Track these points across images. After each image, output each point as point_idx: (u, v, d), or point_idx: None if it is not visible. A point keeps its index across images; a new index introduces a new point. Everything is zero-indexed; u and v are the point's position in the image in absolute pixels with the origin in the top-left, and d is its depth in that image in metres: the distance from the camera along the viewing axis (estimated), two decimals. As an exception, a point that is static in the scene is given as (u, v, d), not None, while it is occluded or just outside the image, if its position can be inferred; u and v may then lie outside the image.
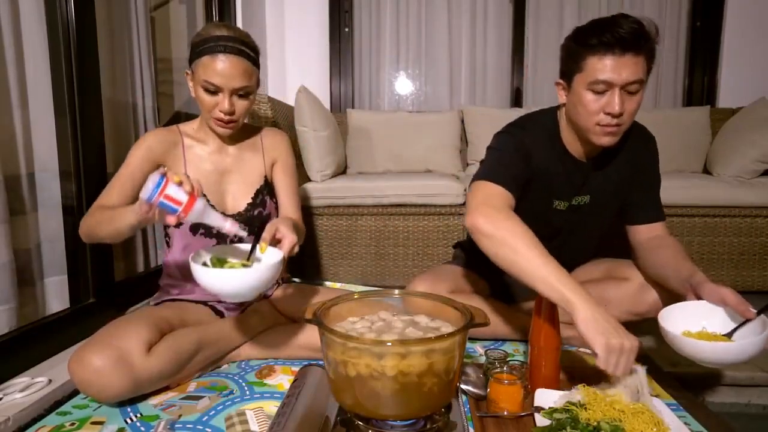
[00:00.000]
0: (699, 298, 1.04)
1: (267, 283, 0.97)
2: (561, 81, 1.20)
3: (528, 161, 1.22)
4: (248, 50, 1.21)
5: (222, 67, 1.16)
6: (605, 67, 1.06)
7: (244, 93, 1.22)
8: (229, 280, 0.94)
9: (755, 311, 0.97)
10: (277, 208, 1.44)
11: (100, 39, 1.43)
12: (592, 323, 0.93)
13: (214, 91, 1.18)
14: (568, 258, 1.43)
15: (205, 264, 0.98)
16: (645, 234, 1.31)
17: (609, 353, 0.91)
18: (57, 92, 1.33)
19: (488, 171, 1.19)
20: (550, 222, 1.34)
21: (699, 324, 1.04)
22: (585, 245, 1.47)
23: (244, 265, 0.99)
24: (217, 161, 1.31)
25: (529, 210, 1.26)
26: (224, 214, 1.27)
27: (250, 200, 1.33)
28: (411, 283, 1.40)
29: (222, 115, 1.20)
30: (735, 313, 1.01)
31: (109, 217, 1.07)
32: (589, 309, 0.94)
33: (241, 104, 1.22)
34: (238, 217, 1.30)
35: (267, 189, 1.37)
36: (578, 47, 1.11)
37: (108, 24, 1.59)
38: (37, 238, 1.34)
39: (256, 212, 1.33)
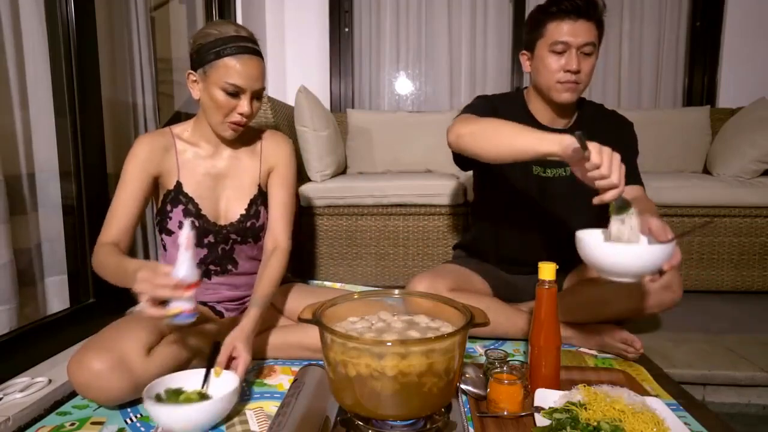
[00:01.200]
0: None
1: (225, 412, 0.99)
2: (525, 52, 1.40)
3: (496, 116, 1.29)
4: (259, 50, 1.20)
5: (246, 69, 1.14)
6: (563, 30, 1.25)
7: (260, 95, 1.21)
8: (184, 416, 0.93)
9: (669, 237, 0.98)
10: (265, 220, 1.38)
11: (100, 39, 1.43)
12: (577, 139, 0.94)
13: (234, 93, 1.15)
14: (561, 242, 1.44)
15: (158, 396, 0.97)
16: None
17: (601, 151, 0.92)
18: (57, 92, 1.33)
19: (465, 108, 1.36)
20: (529, 188, 1.41)
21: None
22: (576, 221, 1.46)
23: (200, 394, 1.00)
24: (211, 166, 1.27)
25: (509, 174, 1.39)
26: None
27: (243, 211, 1.29)
28: (411, 282, 1.40)
29: (240, 119, 1.18)
30: (656, 241, 1.00)
31: (114, 268, 1.07)
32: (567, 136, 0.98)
33: (256, 106, 1.21)
34: (230, 228, 1.28)
35: (261, 198, 1.33)
36: (540, 15, 1.30)
37: (108, 24, 1.59)
38: (37, 238, 1.34)
39: (248, 223, 1.30)
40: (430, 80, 3.01)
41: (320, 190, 2.09)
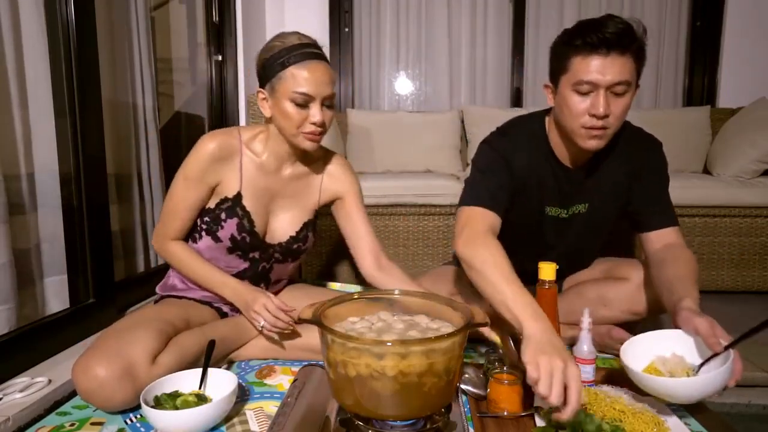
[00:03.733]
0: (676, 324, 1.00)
1: (224, 414, 0.99)
2: (549, 84, 1.19)
3: (509, 170, 1.21)
4: (324, 55, 1.17)
5: (313, 75, 1.10)
6: (589, 67, 1.05)
7: (330, 102, 1.16)
8: (183, 420, 0.93)
9: (723, 345, 0.91)
10: (314, 243, 1.39)
11: (100, 39, 1.43)
12: (531, 342, 0.87)
13: (303, 103, 1.11)
14: (570, 265, 1.44)
15: (157, 398, 0.97)
16: (656, 243, 1.24)
17: (532, 367, 0.83)
18: (57, 92, 1.33)
19: (469, 193, 1.22)
20: (544, 229, 1.32)
21: (669, 350, 1.00)
22: (586, 254, 1.46)
23: (198, 395, 1.00)
24: (273, 181, 1.24)
25: (521, 217, 1.27)
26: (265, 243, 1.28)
27: (294, 233, 1.29)
28: None
29: (314, 128, 1.13)
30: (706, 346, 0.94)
31: (203, 272, 1.22)
32: (534, 328, 0.89)
33: (328, 114, 1.16)
34: (278, 248, 1.28)
35: (313, 224, 1.33)
36: (564, 47, 1.10)
37: (108, 24, 1.59)
38: (37, 238, 1.34)
39: (296, 246, 1.30)
40: (430, 80, 3.01)
41: (320, 190, 2.09)
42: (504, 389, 0.99)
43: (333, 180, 1.34)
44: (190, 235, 1.27)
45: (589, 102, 1.08)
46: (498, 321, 1.01)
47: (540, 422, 0.92)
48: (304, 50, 1.12)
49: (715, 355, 0.92)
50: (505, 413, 0.98)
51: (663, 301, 1.11)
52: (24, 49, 1.27)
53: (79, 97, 1.35)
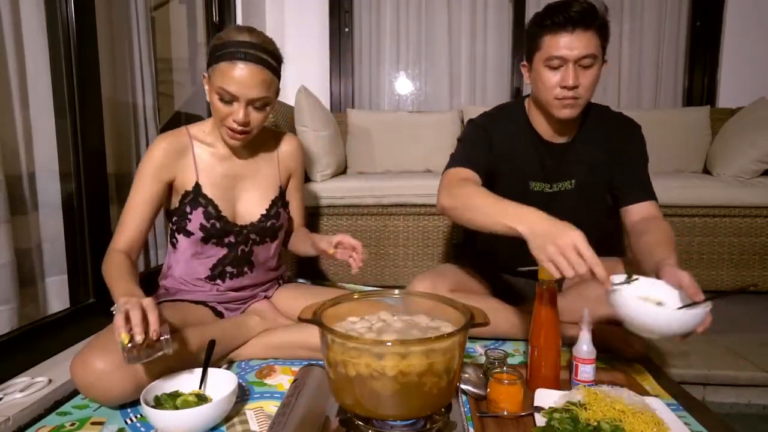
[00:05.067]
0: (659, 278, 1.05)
1: (224, 414, 0.99)
2: (525, 63, 1.30)
3: (488, 140, 1.32)
4: (270, 59, 1.15)
5: (240, 75, 1.11)
6: (558, 43, 1.16)
7: (261, 105, 1.17)
8: (183, 420, 0.93)
9: (704, 296, 0.96)
10: (289, 219, 1.43)
11: (100, 39, 1.43)
12: (531, 240, 0.96)
13: (229, 100, 1.13)
14: None
15: (157, 398, 0.98)
16: (635, 215, 1.31)
17: (548, 265, 0.93)
18: (57, 92, 1.33)
19: (451, 159, 1.33)
20: (530, 204, 1.33)
21: (648, 295, 1.03)
22: (579, 227, 1.45)
23: (198, 395, 1.00)
24: (229, 166, 1.28)
25: (506, 193, 1.28)
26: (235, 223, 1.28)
27: (264, 211, 1.32)
28: (411, 283, 1.40)
29: (235, 126, 1.15)
30: (687, 297, 0.99)
31: (109, 280, 1.08)
32: (527, 226, 0.98)
33: (256, 116, 1.17)
34: (251, 228, 1.30)
35: (281, 200, 1.36)
36: (536, 28, 1.22)
37: (108, 24, 1.59)
38: (37, 238, 1.34)
39: (269, 223, 1.32)
40: (430, 80, 3.00)
41: (320, 190, 2.09)
42: (504, 389, 0.99)
43: (288, 157, 1.40)
44: (169, 242, 1.30)
45: (560, 75, 1.19)
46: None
47: (540, 422, 0.92)
48: (242, 49, 1.12)
49: (694, 304, 0.96)
50: (505, 413, 0.98)
51: (643, 265, 1.15)
52: (24, 49, 1.27)
53: (79, 96, 1.35)
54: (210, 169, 1.26)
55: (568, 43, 1.16)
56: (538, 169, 1.33)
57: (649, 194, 1.33)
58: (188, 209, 1.23)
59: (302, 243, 1.44)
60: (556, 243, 0.92)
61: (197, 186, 1.24)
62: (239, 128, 1.16)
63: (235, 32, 1.15)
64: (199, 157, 1.25)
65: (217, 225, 1.25)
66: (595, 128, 1.33)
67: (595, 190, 1.37)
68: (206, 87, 1.20)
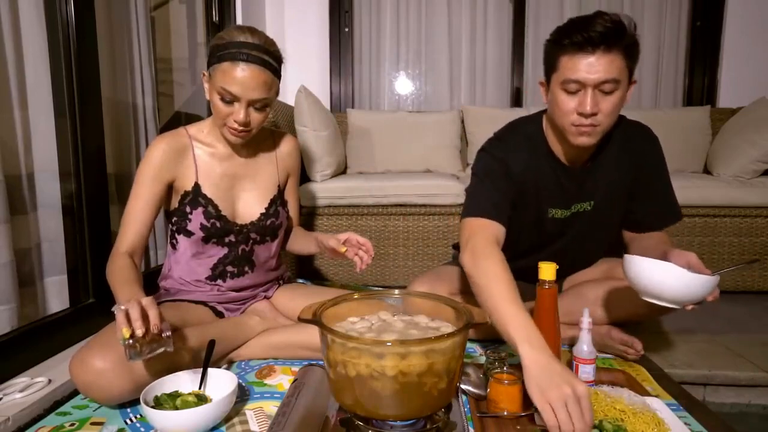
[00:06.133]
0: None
1: (224, 414, 0.99)
2: (543, 81, 1.19)
3: (509, 176, 1.21)
4: (271, 60, 1.16)
5: (241, 76, 1.11)
6: (576, 66, 1.05)
7: (261, 105, 1.18)
8: (183, 420, 0.93)
9: (712, 273, 1.03)
10: (288, 218, 1.44)
11: (100, 39, 1.43)
12: (532, 376, 0.86)
13: (230, 100, 1.14)
14: (574, 264, 1.45)
15: (157, 398, 0.98)
16: (645, 237, 1.32)
17: (544, 407, 0.82)
18: (57, 92, 1.33)
19: (472, 204, 1.22)
20: (546, 230, 1.31)
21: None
22: (592, 251, 1.46)
23: (198, 395, 1.00)
24: (229, 166, 1.29)
25: (524, 220, 1.27)
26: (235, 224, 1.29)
27: (263, 210, 1.32)
28: (411, 285, 1.40)
29: (236, 126, 1.16)
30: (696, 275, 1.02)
31: (114, 284, 1.07)
32: (530, 356, 0.88)
33: (256, 116, 1.18)
34: (251, 227, 1.30)
35: (280, 199, 1.37)
36: (553, 46, 1.11)
37: (108, 24, 1.59)
38: (37, 238, 1.34)
39: (268, 222, 1.33)
40: (430, 80, 3.01)
41: (320, 190, 2.09)
42: (504, 389, 0.99)
43: (287, 157, 1.41)
44: (169, 243, 1.30)
45: (577, 100, 1.08)
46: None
47: (540, 422, 0.92)
48: (244, 50, 1.13)
49: None
50: (505, 413, 0.98)
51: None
52: (24, 49, 1.27)
53: (79, 96, 1.35)
54: (209, 169, 1.26)
55: (587, 67, 1.04)
56: (557, 195, 1.26)
57: (674, 213, 1.32)
58: (188, 209, 1.23)
59: (302, 241, 1.45)
60: (561, 393, 0.81)
61: (197, 186, 1.24)
62: (240, 128, 1.17)
63: (236, 32, 1.15)
64: (198, 158, 1.26)
65: (218, 224, 1.25)
66: (617, 148, 1.25)
67: (614, 208, 1.32)
68: (206, 85, 1.20)
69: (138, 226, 1.18)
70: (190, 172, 1.24)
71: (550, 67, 1.13)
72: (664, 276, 1.00)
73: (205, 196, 1.24)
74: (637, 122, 1.30)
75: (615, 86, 1.06)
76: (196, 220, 1.23)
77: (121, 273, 1.09)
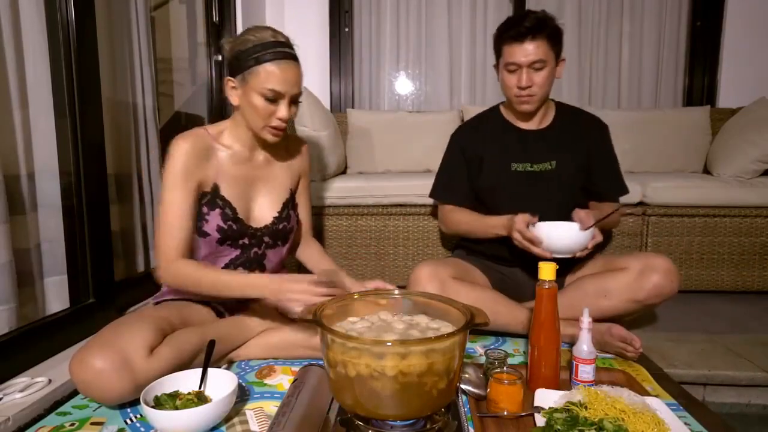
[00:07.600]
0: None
1: (224, 414, 0.99)
2: (495, 65, 1.52)
3: (462, 155, 1.59)
4: (295, 54, 1.22)
5: (287, 74, 1.16)
6: (513, 52, 1.40)
7: (297, 99, 1.23)
8: (183, 420, 0.93)
9: (592, 222, 1.28)
10: (298, 221, 1.43)
11: (100, 39, 1.43)
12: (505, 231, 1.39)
13: (273, 98, 1.17)
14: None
15: (157, 398, 0.98)
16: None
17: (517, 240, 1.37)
18: (57, 92, 1.33)
19: (436, 190, 1.69)
20: (516, 183, 1.52)
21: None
22: (552, 210, 1.48)
23: (198, 395, 1.00)
24: (245, 168, 1.29)
25: (490, 175, 1.55)
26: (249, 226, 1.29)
27: (276, 214, 1.33)
28: (414, 270, 1.41)
29: (280, 123, 1.20)
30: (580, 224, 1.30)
31: (212, 282, 1.15)
32: (504, 227, 1.38)
33: (294, 111, 1.23)
34: (265, 231, 1.31)
35: (292, 202, 1.38)
36: (498, 39, 1.46)
37: (108, 24, 1.59)
38: (37, 238, 1.34)
39: (281, 225, 1.33)
40: (430, 80, 3.00)
41: (320, 190, 2.09)
42: (504, 389, 0.99)
43: (299, 160, 1.44)
44: None
45: (516, 78, 1.43)
46: None
47: (540, 422, 0.92)
48: (278, 49, 1.16)
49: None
50: (505, 413, 0.98)
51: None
52: (24, 49, 1.27)
53: (79, 96, 1.35)
54: (227, 171, 1.26)
55: (520, 52, 1.39)
56: (518, 150, 1.52)
57: (621, 189, 1.59)
58: (205, 210, 1.23)
59: (319, 262, 1.49)
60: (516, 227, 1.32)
61: (215, 187, 1.24)
62: (282, 125, 1.21)
63: (261, 33, 1.18)
64: (220, 159, 1.26)
65: (234, 227, 1.25)
66: (569, 120, 1.55)
67: (574, 173, 1.52)
68: (235, 92, 1.21)
69: (182, 232, 1.17)
70: (212, 173, 1.24)
71: (497, 54, 1.48)
72: (550, 231, 1.31)
73: (223, 198, 1.24)
74: (592, 114, 1.60)
75: (543, 64, 1.40)
76: (213, 221, 1.23)
77: (206, 275, 1.15)
